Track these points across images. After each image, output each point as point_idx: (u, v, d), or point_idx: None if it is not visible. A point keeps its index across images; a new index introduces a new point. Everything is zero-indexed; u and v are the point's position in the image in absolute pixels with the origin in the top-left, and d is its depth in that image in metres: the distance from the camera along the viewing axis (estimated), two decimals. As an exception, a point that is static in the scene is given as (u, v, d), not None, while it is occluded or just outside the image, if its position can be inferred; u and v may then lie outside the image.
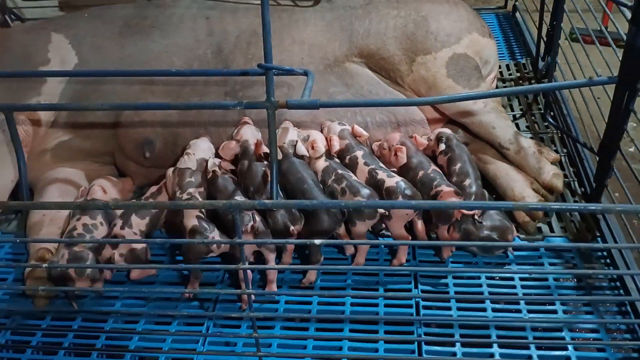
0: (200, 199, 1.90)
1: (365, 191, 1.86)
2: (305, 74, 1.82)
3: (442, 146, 2.06)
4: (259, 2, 2.39)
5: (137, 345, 1.75)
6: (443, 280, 1.89)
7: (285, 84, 2.19)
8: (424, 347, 1.68)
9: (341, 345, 1.71)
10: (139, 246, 1.88)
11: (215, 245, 1.78)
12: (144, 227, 1.97)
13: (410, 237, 1.93)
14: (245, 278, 1.41)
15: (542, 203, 1.96)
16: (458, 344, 1.69)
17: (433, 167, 2.01)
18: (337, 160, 2.05)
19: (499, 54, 2.64)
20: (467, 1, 2.47)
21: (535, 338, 1.69)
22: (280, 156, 1.94)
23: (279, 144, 1.96)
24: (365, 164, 1.99)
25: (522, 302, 1.80)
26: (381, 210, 1.84)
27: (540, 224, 2.05)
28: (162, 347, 1.74)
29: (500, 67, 2.77)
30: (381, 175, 1.93)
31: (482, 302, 1.81)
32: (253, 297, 1.51)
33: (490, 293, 1.84)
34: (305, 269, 1.89)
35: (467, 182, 1.97)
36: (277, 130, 1.92)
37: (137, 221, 1.93)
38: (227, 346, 1.73)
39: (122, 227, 1.91)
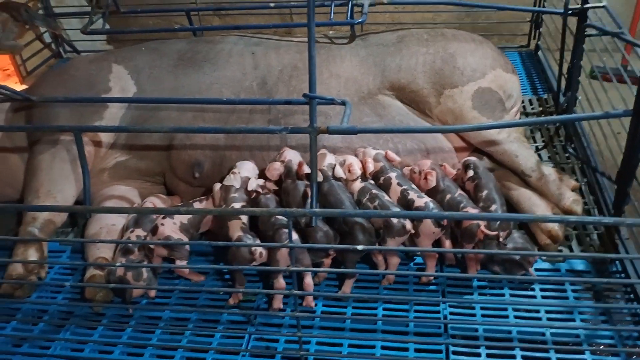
0: (243, 214, 2.08)
1: (395, 209, 2.03)
2: (344, 103, 2.01)
3: (470, 172, 2.20)
4: (299, 40, 2.65)
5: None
6: (468, 297, 2.03)
7: (323, 114, 2.38)
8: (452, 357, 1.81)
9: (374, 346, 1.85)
10: (175, 236, 2.06)
11: (258, 254, 1.94)
12: (186, 221, 2.14)
13: (437, 256, 2.08)
14: (294, 278, 1.56)
15: (561, 216, 2.10)
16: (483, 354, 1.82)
17: (460, 191, 2.16)
18: (371, 182, 2.22)
19: (522, 89, 2.81)
20: (491, 40, 2.67)
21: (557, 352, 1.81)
22: (320, 178, 2.12)
23: (319, 167, 2.14)
24: (398, 184, 2.15)
25: (543, 317, 1.93)
26: (408, 227, 2.00)
27: (561, 247, 2.18)
28: (211, 342, 1.91)
29: (523, 102, 2.94)
30: (412, 195, 2.10)
31: (506, 317, 1.94)
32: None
33: (514, 309, 1.97)
34: (342, 272, 2.03)
35: (493, 207, 2.10)
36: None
37: (179, 216, 2.11)
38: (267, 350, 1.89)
39: (164, 217, 2.09)
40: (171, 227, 2.07)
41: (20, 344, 1.98)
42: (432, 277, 2.08)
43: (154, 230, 2.09)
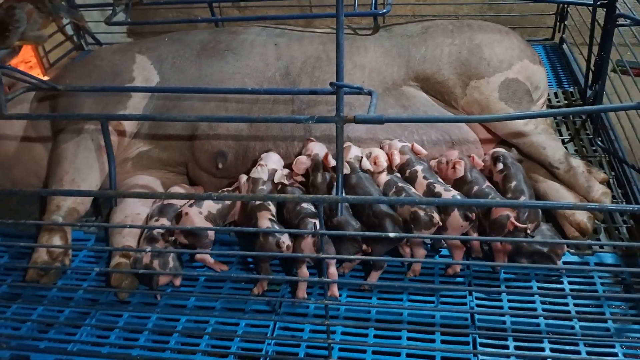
0: (272, 205, 2.07)
1: (423, 202, 2.01)
2: (370, 93, 1.99)
3: (500, 165, 2.16)
4: (322, 31, 2.64)
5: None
6: (496, 289, 2.00)
7: (347, 104, 2.36)
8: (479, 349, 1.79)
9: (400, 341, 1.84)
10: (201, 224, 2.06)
11: (285, 246, 1.93)
12: (215, 211, 2.13)
13: (465, 249, 2.06)
14: (323, 265, 1.55)
15: (591, 204, 2.08)
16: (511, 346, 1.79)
17: (487, 183, 2.13)
18: (398, 174, 2.20)
19: (548, 82, 2.77)
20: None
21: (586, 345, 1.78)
22: (348, 170, 2.10)
23: (346, 159, 2.13)
24: (424, 177, 2.13)
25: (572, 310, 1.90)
26: (436, 219, 1.98)
27: (589, 240, 2.14)
28: (236, 330, 1.91)
29: (548, 95, 2.90)
30: (438, 188, 2.07)
31: (534, 309, 1.92)
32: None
33: (542, 302, 1.94)
34: (368, 260, 2.02)
35: (522, 198, 2.06)
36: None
37: (210, 203, 2.10)
38: (293, 339, 1.88)
39: (190, 206, 2.09)
40: (197, 217, 2.07)
41: (46, 330, 1.99)
42: (458, 269, 2.05)
43: (178, 218, 2.09)
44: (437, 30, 2.49)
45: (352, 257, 1.82)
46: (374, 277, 2.00)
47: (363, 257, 1.94)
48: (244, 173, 2.29)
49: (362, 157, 2.16)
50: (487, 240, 2.05)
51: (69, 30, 3.81)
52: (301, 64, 2.48)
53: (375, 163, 2.18)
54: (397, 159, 2.18)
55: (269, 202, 2.06)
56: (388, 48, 2.50)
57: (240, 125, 2.38)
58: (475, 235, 2.07)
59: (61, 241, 2.16)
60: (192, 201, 2.12)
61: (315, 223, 1.95)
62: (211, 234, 2.09)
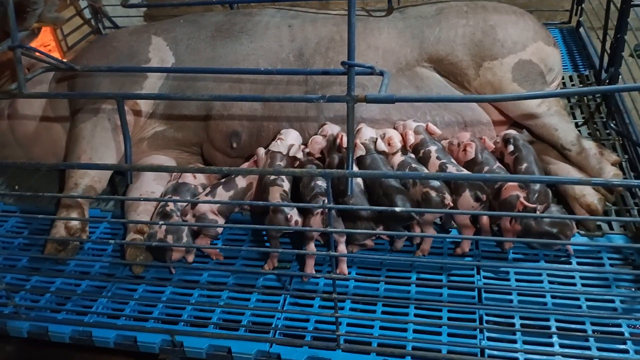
0: (286, 181, 2.10)
1: (435, 182, 2.02)
2: (382, 73, 2.00)
3: (511, 147, 2.16)
4: (336, 13, 2.64)
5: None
6: (504, 269, 2.01)
7: (360, 85, 2.38)
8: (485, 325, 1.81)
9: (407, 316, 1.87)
10: (210, 216, 2.11)
11: (294, 221, 1.96)
12: (227, 199, 2.16)
13: (474, 229, 2.07)
14: (331, 240, 1.57)
15: (596, 179, 2.05)
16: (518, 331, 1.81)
17: (498, 164, 2.14)
18: (411, 155, 2.21)
19: (563, 65, 2.75)
20: (532, 15, 2.61)
21: (592, 324, 1.79)
22: (363, 152, 2.12)
23: (361, 140, 2.14)
24: (438, 157, 2.14)
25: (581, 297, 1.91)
26: (447, 200, 1.99)
27: (599, 223, 2.14)
28: (247, 304, 1.96)
29: (563, 79, 2.88)
30: (450, 169, 2.08)
31: (542, 288, 1.93)
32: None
33: (549, 282, 1.95)
34: (374, 234, 2.04)
35: (532, 181, 2.08)
36: (355, 128, 2.12)
37: (221, 192, 2.14)
38: (303, 313, 1.91)
39: (205, 195, 2.13)
40: (208, 206, 2.11)
41: (64, 302, 2.05)
42: (467, 249, 2.07)
43: (193, 205, 2.13)
44: (451, 12, 2.48)
45: (358, 231, 1.85)
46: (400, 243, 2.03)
47: (370, 231, 1.96)
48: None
49: (376, 139, 2.17)
50: (495, 215, 2.05)
51: (87, 14, 3.85)
52: (315, 45, 2.50)
53: (389, 144, 2.19)
54: (412, 139, 2.19)
55: (283, 178, 2.09)
56: (402, 29, 2.50)
57: (254, 105, 2.41)
58: (485, 217, 2.07)
59: (79, 217, 2.22)
60: (207, 189, 2.16)
61: (324, 201, 1.98)
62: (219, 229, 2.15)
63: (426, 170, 2.12)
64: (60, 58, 3.68)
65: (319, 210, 1.98)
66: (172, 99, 2.47)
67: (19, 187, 2.63)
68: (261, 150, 2.25)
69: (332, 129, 2.24)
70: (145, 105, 2.48)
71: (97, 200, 2.44)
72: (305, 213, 2.03)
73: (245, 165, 2.30)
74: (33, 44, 3.28)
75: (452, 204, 2.00)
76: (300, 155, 2.18)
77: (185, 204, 2.20)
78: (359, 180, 2.09)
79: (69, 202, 2.23)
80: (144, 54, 2.54)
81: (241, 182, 2.22)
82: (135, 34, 2.65)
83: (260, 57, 2.49)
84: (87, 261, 2.21)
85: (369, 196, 2.07)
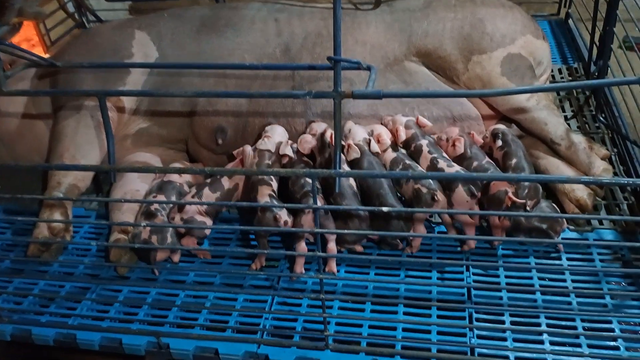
0: (274, 179, 2.06)
1: (428, 180, 1.99)
2: (369, 68, 1.97)
3: (499, 142, 2.14)
4: (323, 7, 2.60)
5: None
6: (494, 263, 2.00)
7: (348, 80, 2.34)
8: (475, 324, 1.80)
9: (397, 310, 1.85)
10: (199, 218, 2.07)
11: (283, 222, 1.93)
12: (211, 208, 2.11)
13: (475, 223, 2.03)
14: (318, 240, 1.55)
15: (586, 177, 2.07)
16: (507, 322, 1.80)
17: (487, 159, 2.12)
18: (403, 151, 2.18)
19: (552, 58, 2.73)
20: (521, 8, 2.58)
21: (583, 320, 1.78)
22: (358, 154, 2.08)
23: (355, 142, 2.11)
24: (429, 152, 2.12)
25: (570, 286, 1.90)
26: (438, 196, 1.96)
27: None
28: (234, 305, 1.93)
29: (552, 71, 2.86)
30: (441, 164, 2.06)
31: (532, 285, 1.91)
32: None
33: (539, 278, 1.94)
34: (366, 234, 2.01)
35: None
36: (343, 126, 2.09)
37: (208, 193, 2.10)
38: (291, 313, 1.89)
39: (192, 197, 2.08)
40: (195, 208, 2.07)
41: (47, 305, 2.01)
42: (473, 245, 2.02)
43: (180, 207, 2.09)
44: (439, 5, 2.45)
45: (346, 231, 1.82)
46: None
47: (358, 231, 1.94)
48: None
49: (370, 140, 2.14)
50: (485, 214, 2.03)
51: (71, 8, 3.79)
52: (302, 40, 2.46)
53: (378, 141, 2.16)
54: (403, 135, 2.16)
55: (271, 178, 2.06)
56: (390, 23, 2.46)
57: (240, 100, 2.37)
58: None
59: (62, 217, 2.16)
60: (193, 191, 2.13)
61: (315, 200, 1.95)
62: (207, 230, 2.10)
63: (420, 167, 2.10)
64: (43, 53, 3.64)
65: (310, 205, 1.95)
66: (155, 95, 2.43)
67: (2, 185, 2.58)
68: (248, 148, 2.21)
69: (320, 127, 2.21)
70: (128, 102, 2.44)
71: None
72: (296, 212, 2.00)
73: (230, 166, 2.26)
74: (15, 39, 3.22)
75: (439, 200, 1.97)
76: (290, 152, 2.14)
77: (171, 205, 2.16)
78: (352, 182, 2.06)
79: (52, 201, 2.19)
80: (127, 49, 2.49)
81: (227, 183, 2.17)
82: (118, 29, 2.59)
83: (245, 52, 2.45)
84: (71, 262, 2.17)
85: (363, 201, 2.04)
